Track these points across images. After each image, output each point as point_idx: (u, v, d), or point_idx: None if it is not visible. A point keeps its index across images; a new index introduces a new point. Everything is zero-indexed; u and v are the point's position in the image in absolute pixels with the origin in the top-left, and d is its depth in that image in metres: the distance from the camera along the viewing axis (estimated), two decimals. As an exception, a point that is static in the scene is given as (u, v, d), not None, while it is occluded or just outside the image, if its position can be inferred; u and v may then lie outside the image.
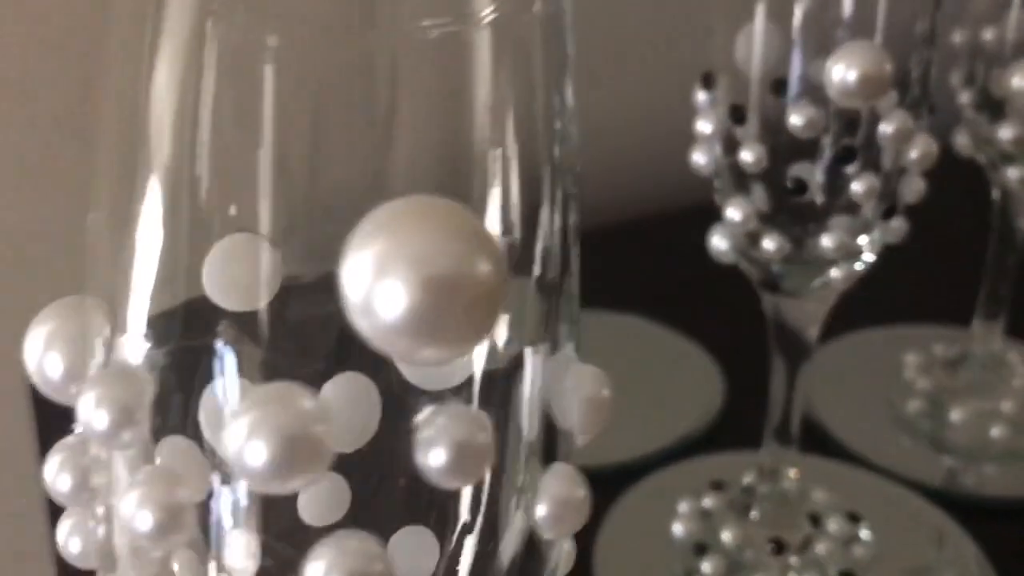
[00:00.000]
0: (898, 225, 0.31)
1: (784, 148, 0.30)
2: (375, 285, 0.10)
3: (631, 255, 0.58)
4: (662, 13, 0.53)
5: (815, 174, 0.30)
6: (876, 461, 0.43)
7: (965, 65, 0.40)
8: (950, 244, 0.60)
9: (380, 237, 0.10)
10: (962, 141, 0.41)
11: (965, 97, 0.40)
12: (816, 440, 0.45)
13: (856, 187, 0.29)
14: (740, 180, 0.31)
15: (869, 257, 0.31)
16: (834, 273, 0.31)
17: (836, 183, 0.30)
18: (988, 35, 0.39)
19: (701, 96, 0.31)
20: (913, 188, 0.30)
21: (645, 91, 0.55)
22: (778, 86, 0.29)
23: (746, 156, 0.29)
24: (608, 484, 0.41)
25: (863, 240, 0.31)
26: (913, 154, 0.29)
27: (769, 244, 0.30)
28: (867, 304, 0.54)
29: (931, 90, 0.30)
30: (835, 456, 0.43)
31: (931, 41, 0.30)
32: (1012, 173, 0.40)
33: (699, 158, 0.31)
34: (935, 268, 0.58)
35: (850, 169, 0.29)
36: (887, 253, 0.34)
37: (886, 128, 0.28)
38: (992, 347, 0.45)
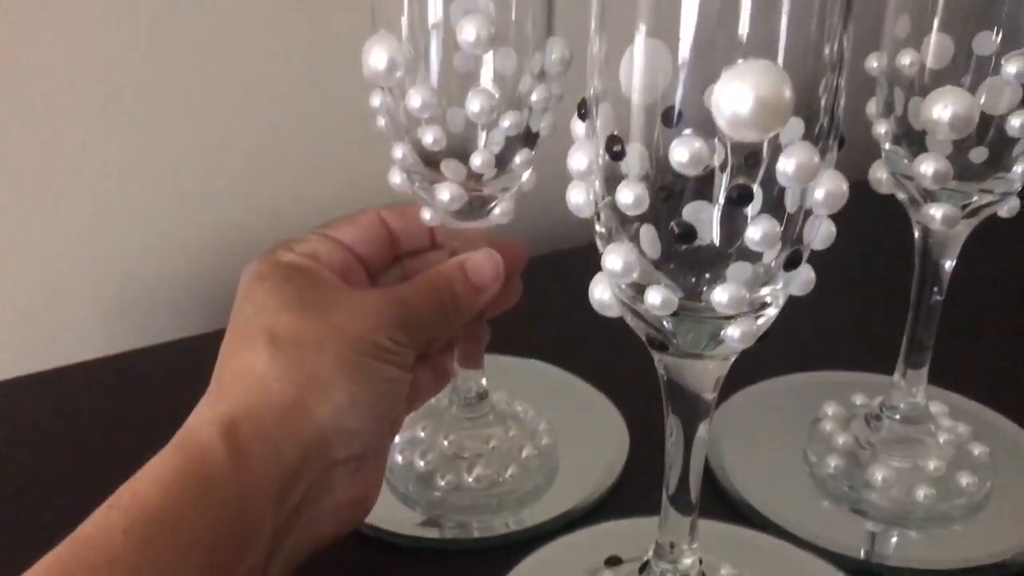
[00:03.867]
0: (805, 275, 0.27)
1: (672, 187, 0.25)
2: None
3: (540, 293, 0.54)
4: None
5: (707, 217, 0.26)
6: (791, 529, 0.39)
7: (883, 93, 0.37)
8: (872, 283, 0.57)
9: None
10: (879, 176, 0.37)
11: (883, 128, 0.37)
12: (725, 503, 0.41)
13: (753, 232, 0.24)
14: (624, 223, 0.26)
15: (772, 312, 0.27)
16: (731, 331, 0.26)
17: (732, 227, 0.26)
18: (906, 60, 0.35)
19: (577, 127, 0.27)
20: (821, 232, 0.26)
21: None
22: (668, 116, 0.25)
23: (624, 197, 0.25)
24: (507, 553, 0.37)
25: (765, 291, 0.27)
26: (819, 194, 0.25)
27: (654, 297, 0.26)
28: (782, 347, 0.50)
29: (840, 121, 0.26)
30: (746, 521, 0.39)
31: (840, 66, 0.26)
32: (934, 211, 0.36)
33: (576, 197, 0.27)
34: (856, 309, 0.54)
35: (748, 211, 0.25)
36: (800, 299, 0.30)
37: (787, 164, 0.24)
38: (915, 398, 0.41)
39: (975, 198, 0.37)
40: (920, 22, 0.36)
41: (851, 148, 0.42)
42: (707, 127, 0.24)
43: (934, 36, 0.35)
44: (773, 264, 0.26)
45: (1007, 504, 0.40)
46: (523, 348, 0.49)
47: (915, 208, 0.37)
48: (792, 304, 0.28)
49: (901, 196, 0.38)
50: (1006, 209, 0.37)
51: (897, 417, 0.42)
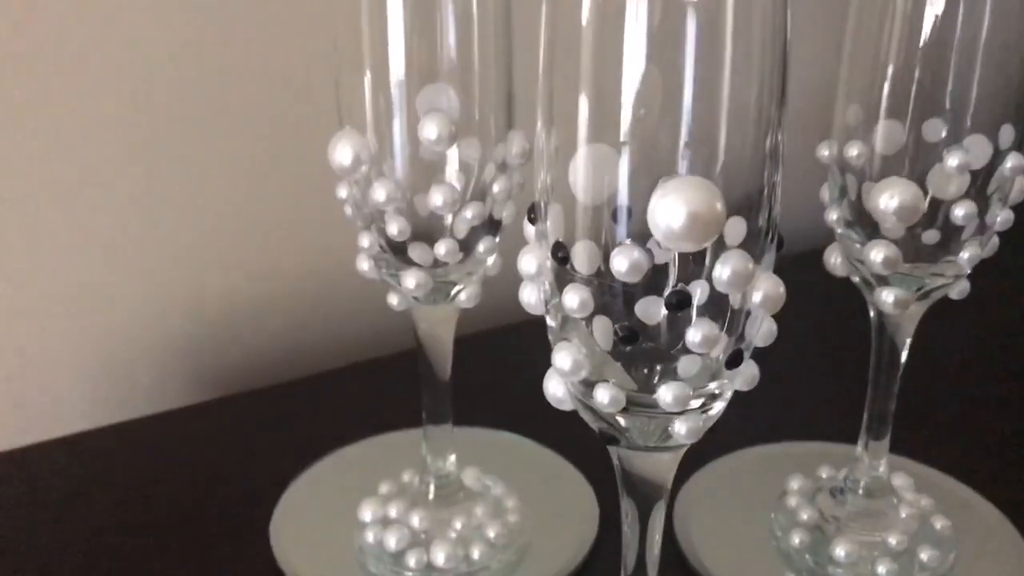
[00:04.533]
0: (749, 371, 0.28)
1: (618, 285, 0.26)
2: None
3: (511, 365, 0.55)
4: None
5: (657, 312, 0.27)
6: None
7: (835, 180, 0.38)
8: (837, 351, 0.58)
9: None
10: (834, 260, 0.39)
11: (835, 214, 0.38)
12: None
13: (692, 335, 0.25)
14: (573, 324, 0.27)
15: (719, 406, 0.28)
16: (678, 427, 0.27)
17: (677, 328, 0.26)
18: (854, 151, 0.37)
19: (528, 229, 0.28)
20: (762, 330, 0.27)
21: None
22: (616, 216, 0.26)
23: (569, 300, 0.26)
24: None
25: (713, 385, 0.28)
26: (756, 297, 0.26)
27: (603, 395, 0.27)
28: (751, 419, 0.51)
29: (776, 221, 0.27)
30: (713, 598, 0.40)
31: (778, 161, 0.27)
32: (886, 295, 0.37)
33: (528, 297, 0.28)
34: (823, 379, 0.55)
35: (693, 312, 0.26)
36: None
37: (722, 271, 0.25)
38: (877, 471, 0.42)
39: (927, 281, 0.38)
40: (869, 110, 0.37)
41: (812, 229, 0.43)
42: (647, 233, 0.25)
43: (882, 124, 0.36)
44: (720, 359, 0.27)
45: (969, 577, 0.41)
46: (494, 420, 0.50)
47: (869, 291, 0.38)
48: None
49: (855, 279, 0.39)
50: (956, 292, 0.38)
51: (860, 492, 0.42)
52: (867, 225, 0.37)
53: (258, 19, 0.54)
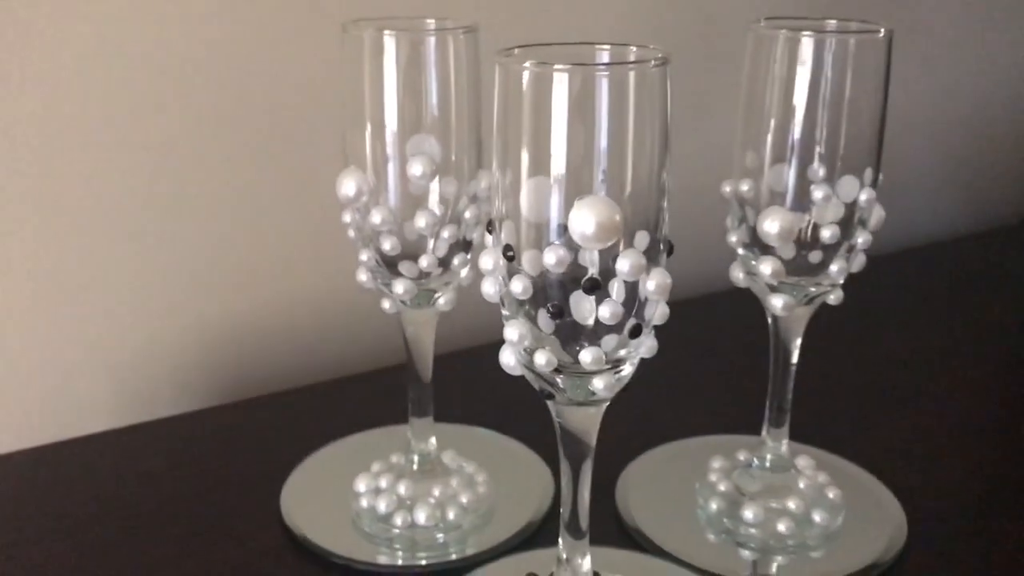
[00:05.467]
0: (648, 343, 0.37)
1: (557, 280, 0.36)
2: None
3: (483, 375, 0.64)
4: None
5: (579, 302, 0.36)
6: (681, 556, 0.48)
7: (735, 210, 0.48)
8: (747, 362, 0.68)
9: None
10: (737, 274, 0.48)
11: (735, 237, 0.48)
12: (628, 537, 0.50)
13: (603, 312, 0.35)
14: (520, 305, 0.37)
15: (628, 369, 0.37)
16: (596, 383, 0.37)
17: (595, 311, 0.36)
18: (745, 187, 0.47)
19: (488, 238, 0.37)
20: (658, 312, 0.37)
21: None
22: (554, 231, 0.36)
23: (515, 287, 0.35)
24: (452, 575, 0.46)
25: (621, 352, 0.37)
26: (650, 285, 0.35)
27: (540, 359, 0.36)
28: (679, 417, 0.61)
29: (666, 232, 0.36)
30: (645, 551, 0.49)
31: (664, 193, 0.36)
32: (775, 301, 0.47)
33: (488, 288, 0.38)
34: (739, 383, 0.65)
35: (612, 294, 0.36)
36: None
37: (623, 264, 0.34)
38: (779, 452, 0.51)
39: (811, 290, 0.48)
40: (760, 156, 0.47)
41: (723, 254, 0.53)
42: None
43: (767, 167, 0.46)
44: (623, 334, 0.37)
45: (855, 534, 0.50)
46: (469, 418, 0.59)
47: (764, 298, 0.48)
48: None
49: (754, 289, 0.49)
50: (833, 298, 0.48)
51: (767, 466, 0.52)
52: (762, 246, 0.47)
53: (269, 70, 0.64)
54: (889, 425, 0.61)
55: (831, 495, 0.51)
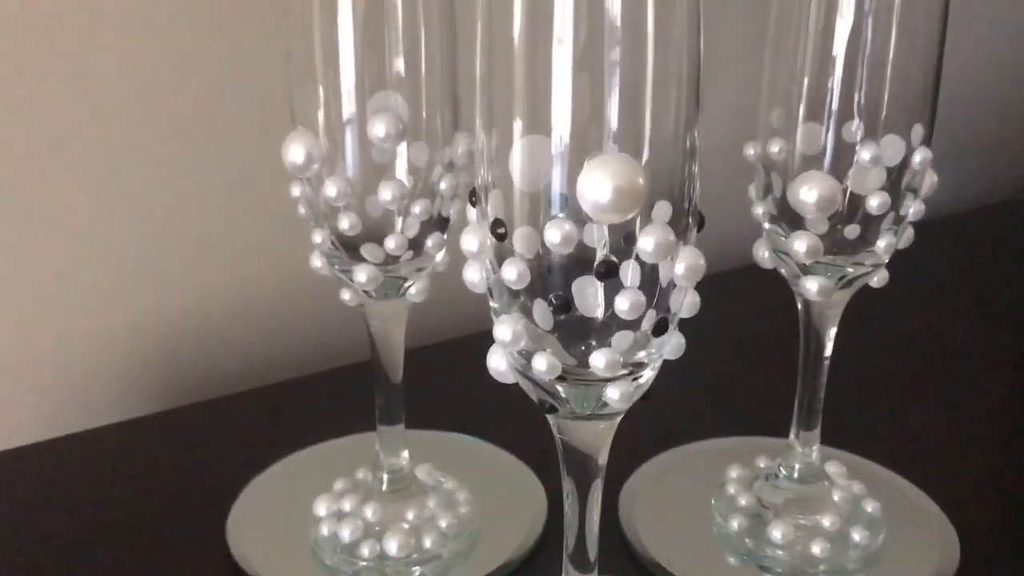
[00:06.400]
0: (675, 340, 0.30)
1: (558, 264, 0.29)
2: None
3: (464, 372, 0.56)
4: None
5: (593, 292, 0.29)
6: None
7: (760, 178, 0.41)
8: (769, 352, 0.61)
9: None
10: (762, 253, 0.41)
11: (761, 209, 0.41)
12: (636, 563, 0.43)
13: (621, 303, 0.27)
14: (513, 297, 0.29)
15: (648, 374, 0.30)
16: (611, 392, 0.29)
17: (609, 300, 0.29)
18: (776, 148, 0.39)
19: (471, 212, 0.30)
20: (686, 302, 0.29)
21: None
22: (551, 202, 0.28)
23: (508, 273, 0.28)
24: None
25: (641, 355, 0.30)
26: (679, 268, 0.28)
27: (540, 363, 0.29)
28: (689, 417, 0.53)
29: (696, 203, 0.29)
30: (657, 580, 0.42)
31: (693, 155, 0.29)
32: (810, 284, 0.40)
33: (471, 275, 0.30)
34: (757, 377, 0.58)
35: (626, 282, 0.28)
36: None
37: (646, 243, 0.27)
38: (810, 459, 0.44)
39: (849, 270, 0.40)
40: (789, 113, 0.40)
41: (742, 229, 0.46)
42: (579, 212, 0.27)
43: (801, 126, 0.39)
44: (648, 331, 0.29)
45: (899, 555, 0.43)
46: (448, 423, 0.52)
47: (795, 281, 0.41)
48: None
49: (782, 271, 0.41)
50: (876, 280, 0.40)
51: (795, 477, 0.44)
52: (790, 221, 0.40)
53: (210, 31, 0.56)
54: (931, 424, 0.54)
55: (869, 509, 0.44)
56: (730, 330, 0.61)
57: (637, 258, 0.28)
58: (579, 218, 0.27)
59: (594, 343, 0.30)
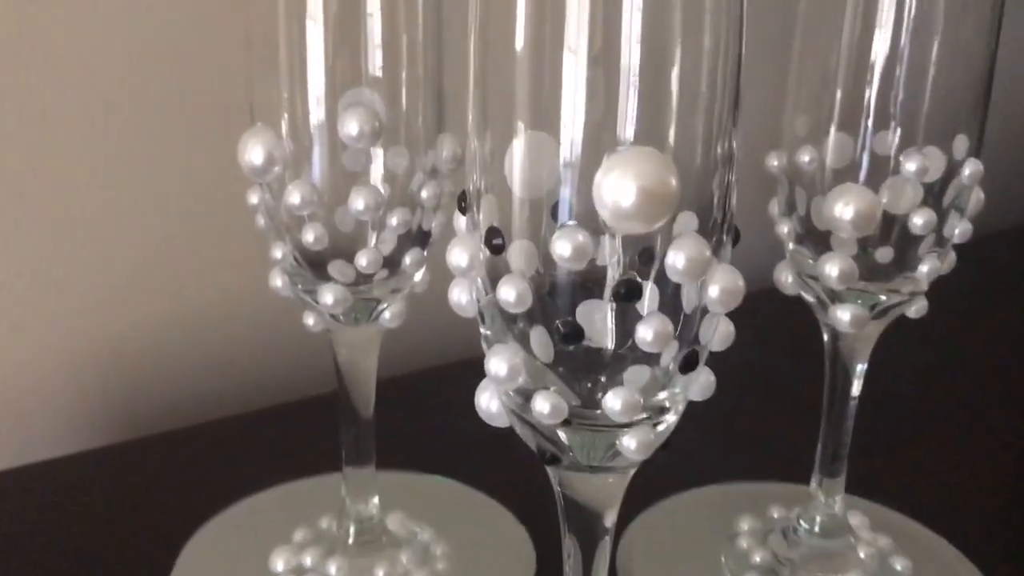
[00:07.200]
0: (704, 379, 0.25)
1: (562, 285, 0.24)
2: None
3: (442, 405, 0.51)
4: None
5: (601, 317, 0.24)
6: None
7: (784, 192, 0.36)
8: (784, 388, 0.56)
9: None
10: (785, 278, 0.36)
11: (785, 227, 0.36)
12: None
13: (643, 332, 0.22)
14: (509, 323, 0.24)
15: (671, 419, 0.25)
16: (627, 441, 0.24)
17: (625, 327, 0.24)
18: (806, 158, 0.35)
19: (459, 221, 0.25)
20: (719, 332, 0.24)
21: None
22: (555, 209, 0.24)
23: (505, 294, 0.23)
24: None
25: (663, 396, 0.25)
26: (713, 291, 0.23)
27: (542, 405, 0.23)
28: (696, 458, 0.48)
29: (733, 216, 0.24)
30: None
31: (731, 162, 0.24)
32: (841, 313, 0.35)
33: (458, 296, 0.25)
34: (769, 416, 0.53)
35: (643, 309, 0.23)
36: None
37: (676, 258, 0.22)
38: (833, 509, 0.39)
39: (883, 298, 0.36)
40: (818, 121, 0.35)
41: (756, 250, 0.41)
42: (596, 220, 0.23)
43: (832, 135, 0.35)
44: (671, 367, 0.24)
45: (933, 621, 0.38)
46: (424, 464, 0.46)
47: (822, 310, 0.36)
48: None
49: (808, 298, 0.36)
50: (914, 310, 0.36)
51: (816, 530, 0.40)
52: (818, 241, 0.35)
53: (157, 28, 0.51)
54: (965, 473, 0.49)
55: (899, 567, 0.40)
56: (744, 362, 0.56)
57: (657, 278, 0.24)
58: (587, 229, 0.23)
59: (603, 379, 0.25)
